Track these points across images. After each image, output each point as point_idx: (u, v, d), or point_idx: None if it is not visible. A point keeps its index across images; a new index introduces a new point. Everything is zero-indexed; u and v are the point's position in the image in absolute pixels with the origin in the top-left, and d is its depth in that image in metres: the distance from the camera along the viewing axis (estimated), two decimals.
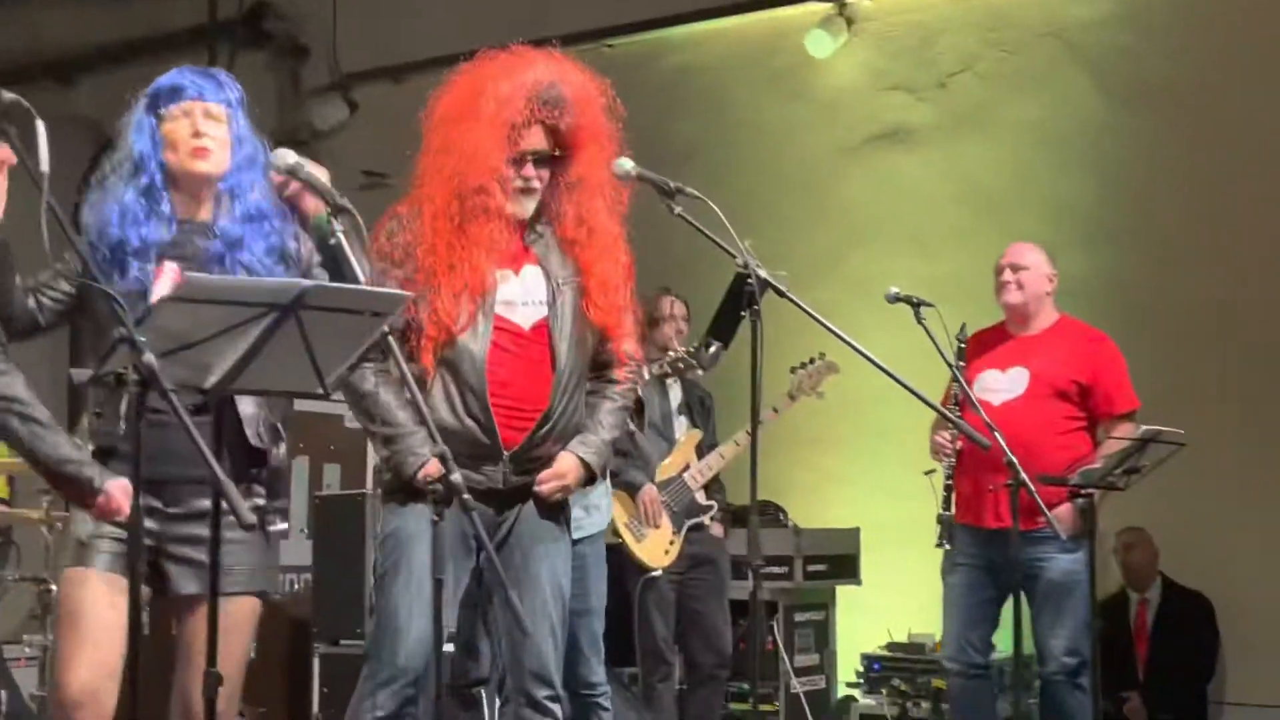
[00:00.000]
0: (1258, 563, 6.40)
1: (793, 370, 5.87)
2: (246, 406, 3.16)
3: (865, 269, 7.29)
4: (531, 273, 3.60)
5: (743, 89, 7.81)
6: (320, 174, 3.18)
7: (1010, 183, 7.15)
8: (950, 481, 5.06)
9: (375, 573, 3.54)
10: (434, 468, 3.28)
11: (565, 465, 3.60)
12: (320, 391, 2.78)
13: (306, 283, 2.61)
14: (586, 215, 3.61)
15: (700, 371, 5.04)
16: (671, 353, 4.69)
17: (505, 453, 3.52)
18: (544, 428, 3.56)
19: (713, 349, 3.95)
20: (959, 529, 5.07)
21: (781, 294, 3.50)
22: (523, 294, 3.58)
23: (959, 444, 5.00)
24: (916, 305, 4.60)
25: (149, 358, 2.47)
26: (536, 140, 3.53)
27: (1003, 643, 5.77)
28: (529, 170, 3.53)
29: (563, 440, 3.61)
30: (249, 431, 3.16)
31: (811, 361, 5.85)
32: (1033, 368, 5.16)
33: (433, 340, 3.45)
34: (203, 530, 2.87)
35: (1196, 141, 6.74)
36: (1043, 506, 4.26)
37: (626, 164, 3.56)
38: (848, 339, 3.61)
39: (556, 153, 3.55)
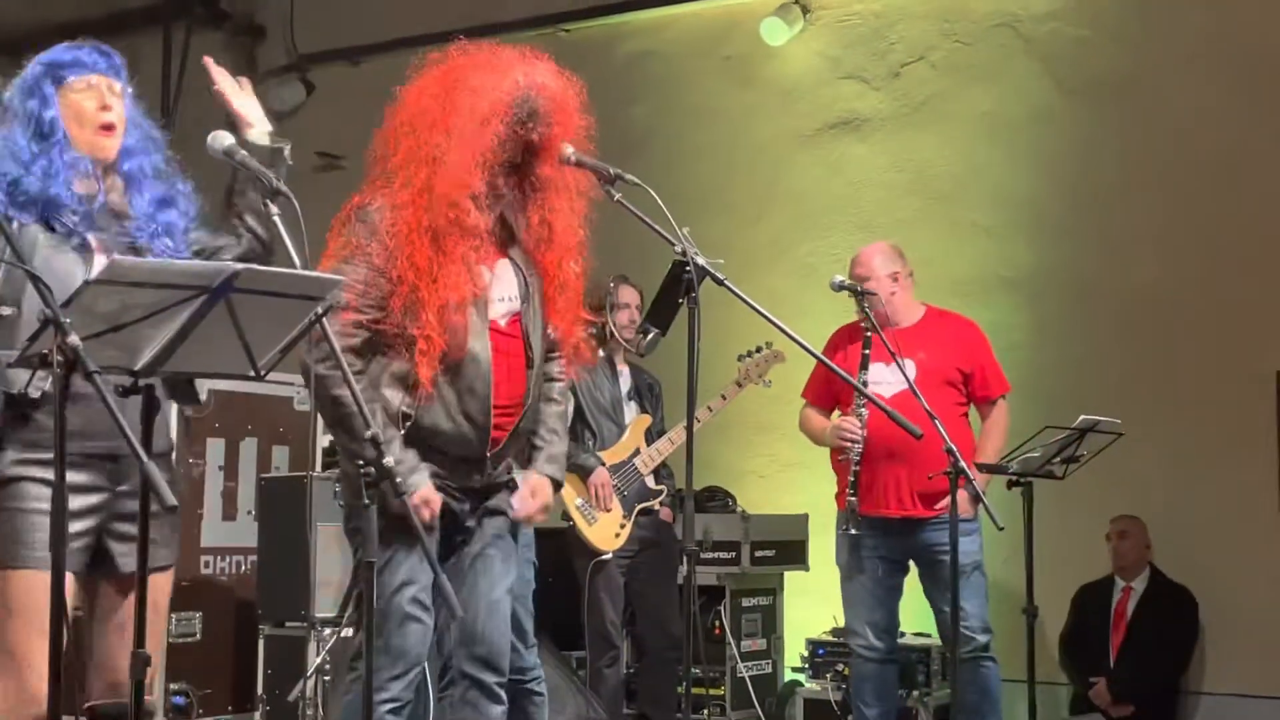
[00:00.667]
0: (1235, 553, 6.41)
1: (740, 358, 5.90)
2: None
3: (816, 256, 7.32)
4: (504, 267, 3.61)
5: (698, 75, 7.80)
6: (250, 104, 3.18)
7: (960, 173, 7.15)
8: (858, 468, 5.10)
9: (358, 563, 3.53)
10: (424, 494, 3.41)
11: (540, 489, 3.66)
12: (252, 374, 2.77)
13: (237, 266, 2.59)
14: (549, 215, 3.62)
15: (640, 356, 5.06)
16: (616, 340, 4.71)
17: (489, 453, 3.55)
18: (520, 424, 3.60)
19: (650, 335, 3.94)
20: (862, 519, 5.12)
21: (719, 282, 3.50)
22: (499, 290, 3.59)
23: (864, 431, 5.06)
24: (860, 294, 4.70)
25: (74, 339, 2.44)
26: (509, 153, 3.52)
27: (909, 627, 6.00)
28: (499, 181, 3.53)
29: (524, 435, 3.64)
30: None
31: (758, 350, 5.89)
32: (918, 359, 5.20)
33: (426, 354, 3.44)
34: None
35: (1145, 133, 6.76)
36: (980, 493, 4.33)
37: (567, 150, 3.54)
38: (783, 327, 3.64)
39: (525, 159, 3.56)
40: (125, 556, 3.13)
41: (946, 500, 4.54)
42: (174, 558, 3.26)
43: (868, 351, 5.10)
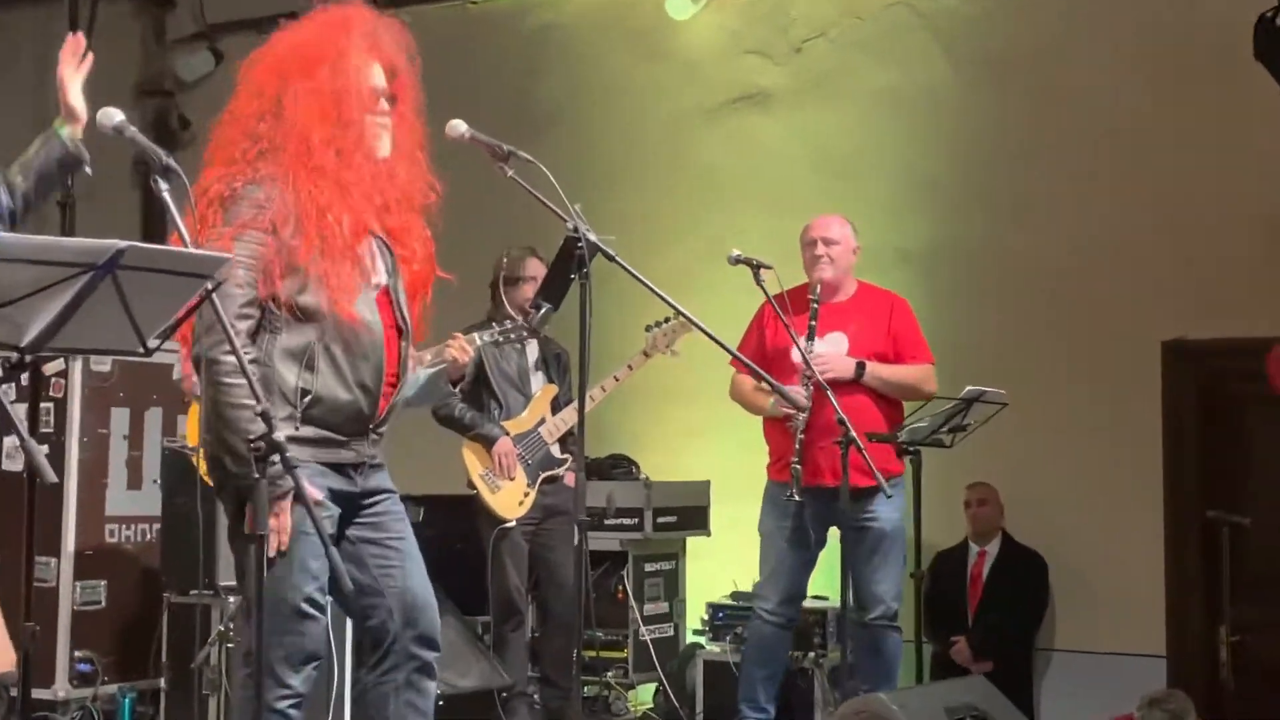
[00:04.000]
0: (1090, 520, 6.55)
1: (647, 329, 5.88)
2: None
3: (722, 229, 7.24)
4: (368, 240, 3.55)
5: (605, 50, 7.75)
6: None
7: (861, 148, 7.15)
8: (802, 435, 5.12)
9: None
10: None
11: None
12: (141, 351, 2.73)
13: (122, 243, 2.56)
14: (400, 170, 3.57)
15: (533, 331, 5.06)
16: (503, 324, 4.74)
17: (376, 424, 3.54)
18: (396, 395, 3.58)
19: (542, 310, 3.98)
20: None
21: (611, 258, 3.53)
22: (370, 257, 3.55)
23: (809, 399, 5.05)
24: (756, 267, 4.70)
25: None
26: (382, 79, 3.52)
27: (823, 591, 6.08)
28: (383, 106, 3.51)
29: (397, 411, 3.62)
30: None
31: (666, 320, 5.85)
32: (850, 332, 5.28)
33: (321, 311, 3.40)
34: None
35: (1040, 108, 6.79)
36: (870, 463, 4.37)
37: (461, 126, 3.53)
38: (672, 302, 3.73)
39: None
40: None
41: (880, 469, 4.57)
42: None
43: (814, 323, 5.14)
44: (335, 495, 3.47)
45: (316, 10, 3.54)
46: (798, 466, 5.07)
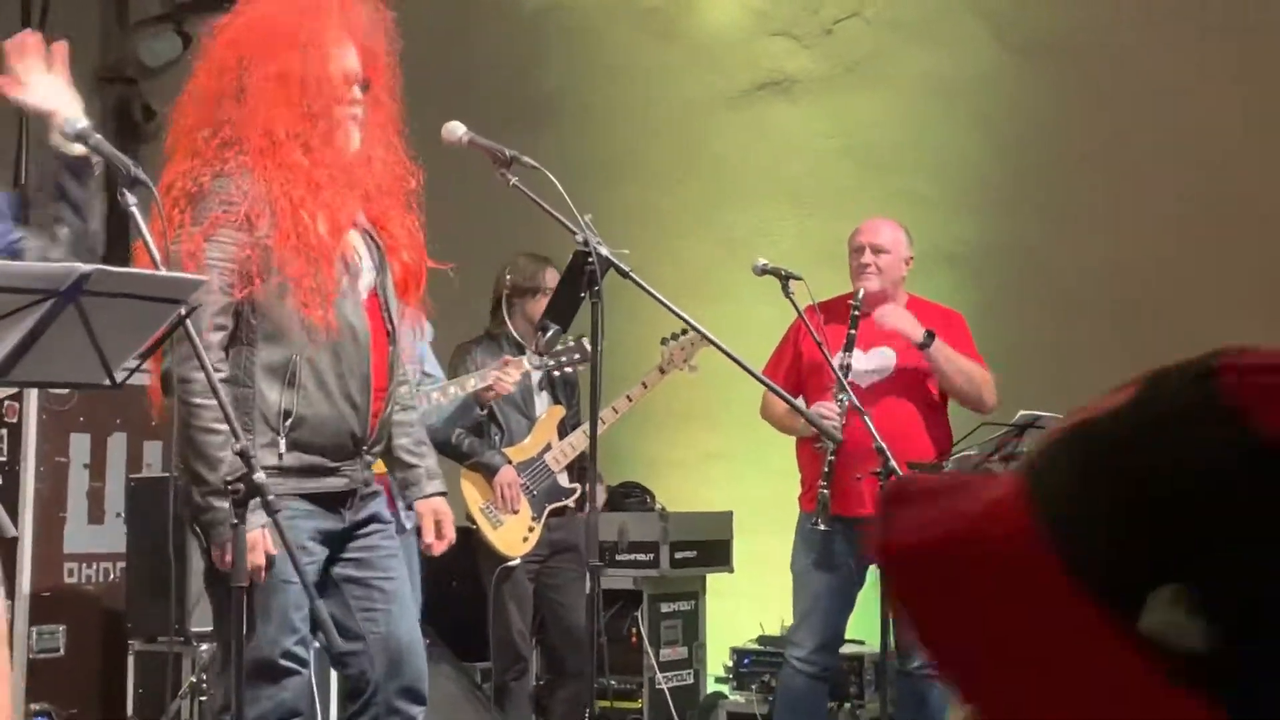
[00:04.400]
0: None
1: (663, 342, 5.82)
2: None
3: (741, 229, 7.27)
4: (353, 233, 3.55)
5: (613, 30, 7.72)
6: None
7: (899, 138, 7.11)
8: (833, 457, 5.06)
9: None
10: None
11: (442, 514, 3.75)
12: (108, 383, 2.72)
13: (86, 267, 2.53)
14: (377, 158, 3.58)
15: (540, 356, 5.12)
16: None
17: (367, 445, 3.53)
18: (386, 411, 3.57)
19: (550, 332, 3.93)
20: (834, 518, 5.07)
21: (625, 274, 3.52)
22: (359, 256, 3.55)
23: (845, 417, 4.95)
24: (785, 279, 4.67)
25: None
26: (355, 62, 3.51)
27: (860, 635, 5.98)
28: (354, 93, 3.50)
29: (388, 427, 3.61)
30: None
31: (684, 333, 5.73)
32: (898, 346, 5.20)
33: (302, 318, 3.38)
34: None
35: (1099, 99, 6.72)
36: None
37: (459, 129, 3.53)
38: (691, 322, 3.75)
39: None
40: None
41: None
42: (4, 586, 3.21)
43: (854, 332, 5.06)
44: (322, 536, 3.46)
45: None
46: (825, 491, 5.01)
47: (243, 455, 2.85)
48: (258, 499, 2.86)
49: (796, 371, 5.29)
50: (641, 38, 7.69)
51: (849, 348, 5.07)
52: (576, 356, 5.48)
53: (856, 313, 5.13)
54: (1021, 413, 4.91)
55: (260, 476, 2.84)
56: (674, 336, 5.77)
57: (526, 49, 7.67)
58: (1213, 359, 0.80)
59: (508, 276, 5.80)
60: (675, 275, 6.67)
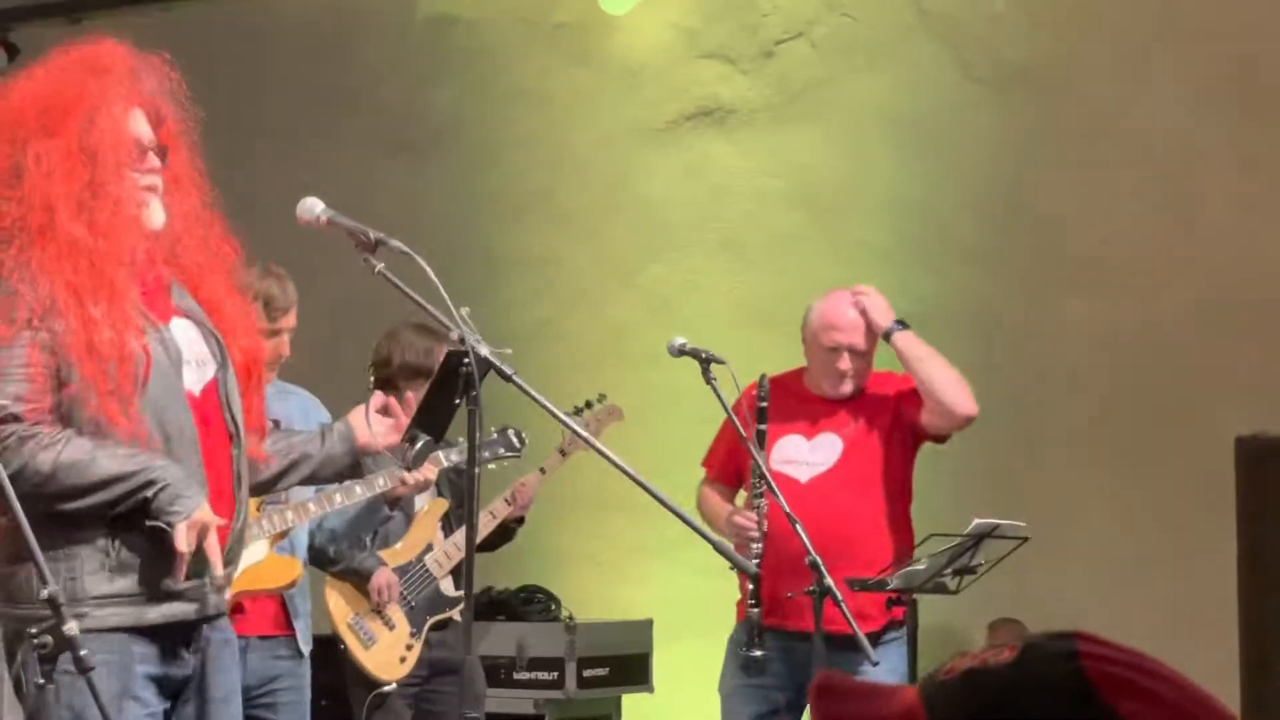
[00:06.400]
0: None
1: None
2: None
3: (668, 282, 7.19)
4: (181, 323, 3.50)
5: (520, 48, 7.57)
6: None
7: (849, 179, 7.00)
8: (759, 571, 4.85)
9: None
10: None
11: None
12: None
13: None
14: (190, 236, 3.56)
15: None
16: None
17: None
18: (238, 521, 3.51)
19: (419, 444, 3.64)
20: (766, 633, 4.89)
21: (507, 378, 3.43)
22: (185, 347, 3.47)
23: (765, 525, 4.87)
24: (706, 361, 4.64)
25: None
26: (146, 127, 3.47)
27: None
28: (150, 162, 3.45)
29: (240, 542, 3.57)
30: None
31: (589, 405, 5.71)
32: (845, 435, 5.09)
33: (113, 392, 3.31)
34: None
35: (1071, 133, 6.61)
36: (851, 621, 4.25)
37: (316, 206, 3.48)
38: (581, 432, 3.68)
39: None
40: None
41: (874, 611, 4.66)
42: None
43: (763, 427, 4.96)
44: (160, 684, 3.38)
45: (59, 50, 3.52)
46: (755, 611, 4.77)
47: (51, 603, 2.83)
48: (68, 654, 2.82)
49: (734, 461, 5.20)
50: (553, 58, 7.54)
51: (760, 444, 4.94)
52: (502, 450, 5.43)
53: (763, 405, 5.00)
54: (976, 520, 4.82)
55: (72, 627, 2.81)
56: (577, 410, 5.67)
57: (417, 67, 7.54)
58: (1072, 641, 1.19)
59: (397, 353, 5.59)
60: (594, 336, 6.92)
